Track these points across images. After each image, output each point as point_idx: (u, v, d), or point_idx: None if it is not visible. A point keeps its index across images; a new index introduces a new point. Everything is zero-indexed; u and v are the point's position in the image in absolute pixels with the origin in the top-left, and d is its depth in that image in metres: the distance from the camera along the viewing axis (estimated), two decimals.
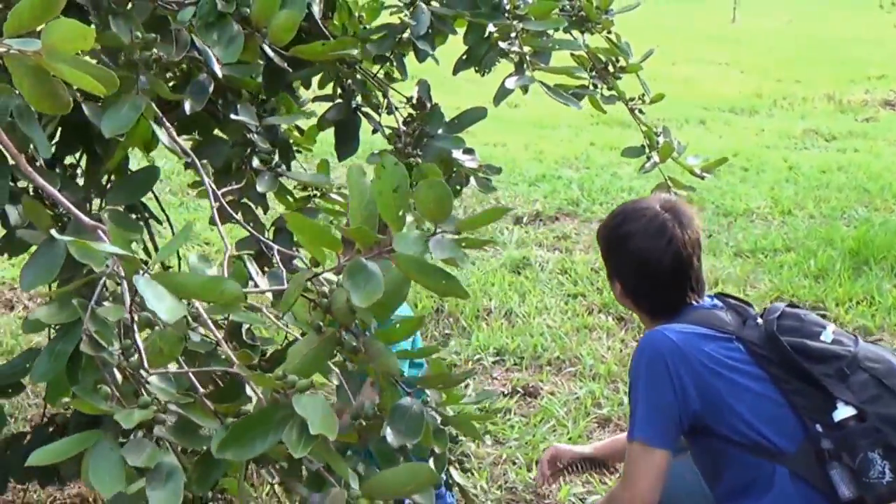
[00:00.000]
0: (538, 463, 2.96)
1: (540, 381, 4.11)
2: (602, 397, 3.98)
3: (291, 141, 2.54)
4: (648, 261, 2.29)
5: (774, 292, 5.16)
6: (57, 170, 1.83)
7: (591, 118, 10.16)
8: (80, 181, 2.01)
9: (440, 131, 2.40)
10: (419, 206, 1.44)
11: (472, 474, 3.29)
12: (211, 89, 1.95)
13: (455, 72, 2.46)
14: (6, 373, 1.63)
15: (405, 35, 2.33)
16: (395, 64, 2.36)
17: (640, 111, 2.86)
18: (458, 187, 2.43)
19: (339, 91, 2.43)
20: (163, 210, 2.57)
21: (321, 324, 1.52)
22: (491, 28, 2.43)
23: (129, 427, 1.35)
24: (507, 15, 2.41)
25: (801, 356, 2.14)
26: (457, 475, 1.94)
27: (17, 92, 1.27)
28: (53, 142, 1.91)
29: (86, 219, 1.44)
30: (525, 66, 2.40)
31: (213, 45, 1.68)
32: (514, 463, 3.40)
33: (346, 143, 2.42)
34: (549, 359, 4.35)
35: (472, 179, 2.45)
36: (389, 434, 1.56)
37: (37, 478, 2.09)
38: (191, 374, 1.48)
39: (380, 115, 2.49)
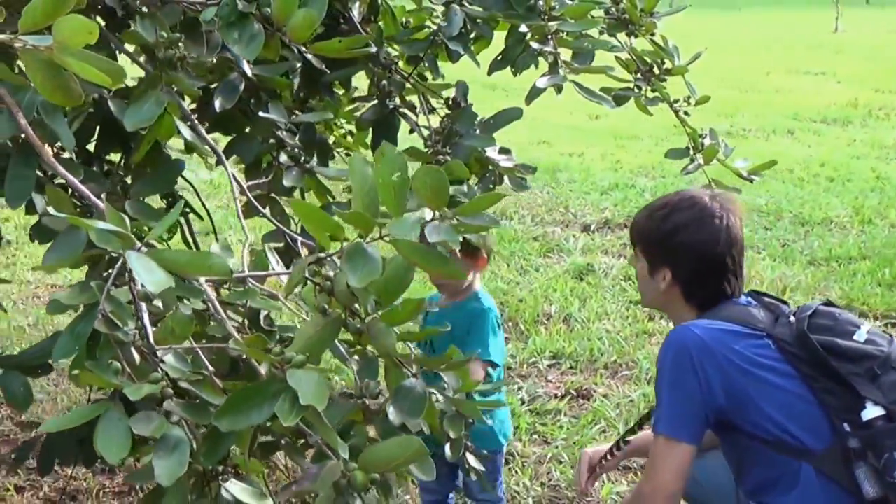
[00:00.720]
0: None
1: (594, 385, 4.13)
2: (653, 401, 3.96)
3: (333, 141, 2.62)
4: (707, 249, 2.29)
5: (844, 300, 5.08)
6: (94, 167, 1.93)
7: (673, 129, 10.07)
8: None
9: (475, 131, 2.44)
10: (417, 192, 1.49)
11: (516, 472, 3.33)
12: (241, 88, 2.03)
13: (490, 72, 2.51)
14: (35, 354, 1.73)
15: (438, 36, 2.39)
16: (427, 65, 2.42)
17: (686, 113, 2.87)
18: (492, 186, 2.47)
19: (376, 91, 2.49)
20: (203, 205, 2.67)
21: (326, 306, 1.58)
22: (525, 29, 2.47)
23: (135, 399, 1.43)
24: (542, 16, 2.45)
25: (831, 355, 2.12)
26: (473, 461, 1.98)
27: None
28: (93, 139, 2.02)
29: (101, 204, 1.53)
30: (559, 66, 2.44)
31: (233, 43, 1.77)
32: (560, 462, 3.43)
33: (380, 140, 2.48)
34: (605, 363, 4.36)
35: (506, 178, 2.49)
36: (391, 412, 1.61)
37: (81, 459, 2.20)
38: (201, 354, 1.56)
39: (417, 115, 2.55)
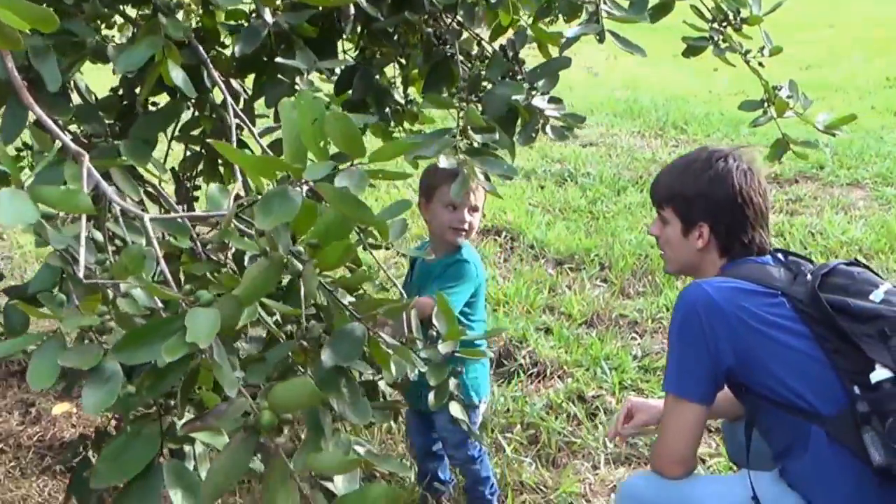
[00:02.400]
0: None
1: None
2: None
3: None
4: (746, 198, 2.22)
5: None
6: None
7: (886, 81, 9.47)
8: None
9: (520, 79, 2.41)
10: (331, 139, 1.52)
11: (598, 427, 3.29)
12: (264, 34, 2.11)
13: (534, 22, 2.47)
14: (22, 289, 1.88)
15: None
16: (463, 13, 2.40)
17: (760, 64, 2.72)
18: (533, 135, 2.43)
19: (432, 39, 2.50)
20: None
21: (268, 249, 1.64)
22: None
23: (68, 330, 1.53)
24: None
25: (841, 315, 1.99)
26: (458, 411, 1.98)
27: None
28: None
29: (72, 145, 1.64)
30: (599, 15, 2.38)
31: None
32: None
33: (434, 87, 2.49)
34: None
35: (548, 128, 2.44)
36: (325, 355, 1.65)
37: None
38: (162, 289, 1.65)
39: (473, 64, 2.55)
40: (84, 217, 1.59)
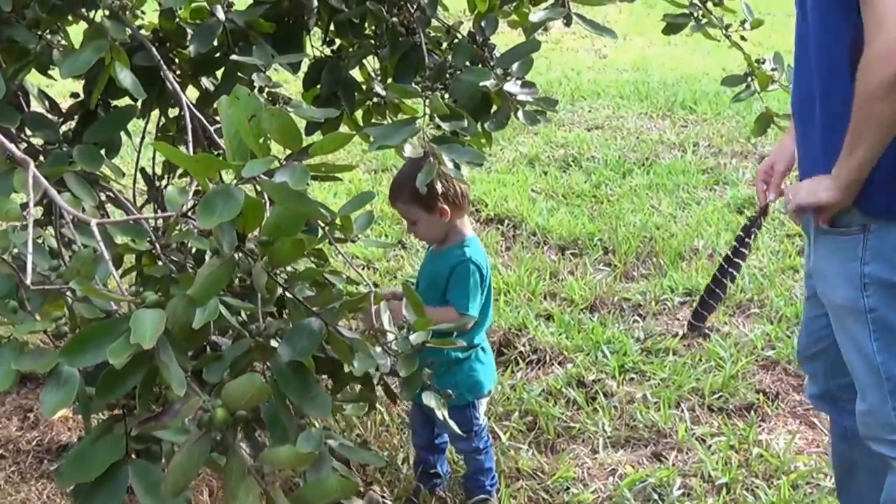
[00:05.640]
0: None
1: (719, 323, 3.95)
2: (776, 339, 3.77)
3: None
4: None
5: None
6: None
7: None
8: None
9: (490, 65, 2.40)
10: (269, 134, 1.51)
11: (597, 411, 3.27)
12: (219, 32, 2.10)
13: (501, 6, 2.45)
14: None
15: None
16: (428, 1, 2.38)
17: (742, 38, 2.69)
18: (505, 121, 2.42)
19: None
20: None
21: (219, 248, 1.63)
22: None
23: (20, 335, 1.53)
24: None
25: None
26: (432, 401, 1.97)
27: None
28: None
29: (17, 153, 1.65)
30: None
31: None
32: (646, 403, 3.33)
33: (404, 76, 2.48)
34: (739, 300, 4.17)
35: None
36: (282, 350, 1.64)
37: None
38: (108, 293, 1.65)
39: (442, 51, 2.53)
40: (31, 223, 1.60)
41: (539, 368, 3.61)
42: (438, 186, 2.41)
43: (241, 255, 1.65)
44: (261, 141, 1.54)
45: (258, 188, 1.61)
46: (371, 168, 6.17)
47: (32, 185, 1.67)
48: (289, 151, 1.60)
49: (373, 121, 2.75)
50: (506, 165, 6.16)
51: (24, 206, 1.67)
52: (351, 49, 2.63)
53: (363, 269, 4.29)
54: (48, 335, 1.60)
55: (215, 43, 2.16)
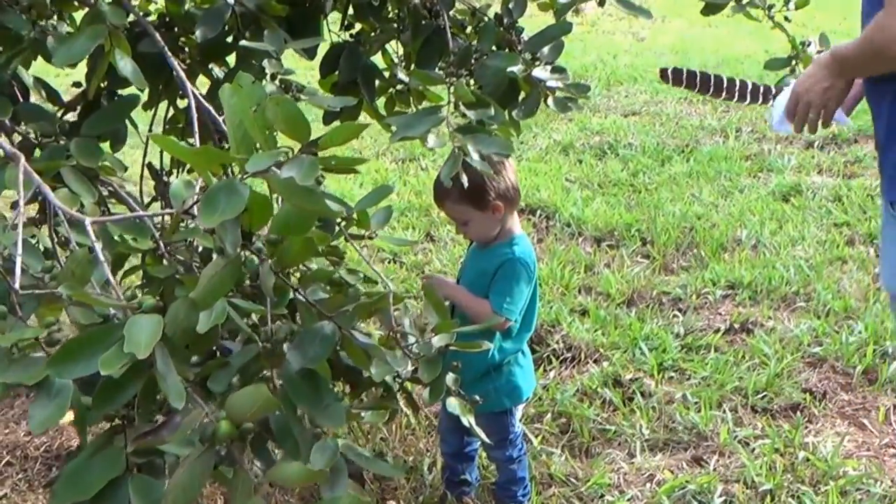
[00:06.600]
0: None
1: (763, 318, 3.79)
2: (823, 335, 3.60)
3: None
4: None
5: None
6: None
7: None
8: None
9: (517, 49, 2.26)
10: (274, 125, 1.39)
11: (634, 412, 3.12)
12: (227, 16, 1.98)
13: None
14: None
15: None
16: None
17: (786, 19, 2.53)
18: (535, 108, 2.28)
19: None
20: None
21: (223, 247, 1.52)
22: None
23: (5, 345, 1.43)
24: None
25: None
26: (456, 406, 1.84)
27: None
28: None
29: (7, 147, 1.54)
30: None
31: None
32: (686, 403, 3.17)
33: (427, 62, 2.35)
34: (784, 293, 4.00)
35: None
36: (292, 357, 1.52)
37: None
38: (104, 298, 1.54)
39: (467, 35, 2.40)
40: (20, 222, 1.49)
41: (573, 367, 3.46)
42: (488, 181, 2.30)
43: (247, 254, 1.55)
44: (267, 132, 1.42)
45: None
46: (398, 158, 6.04)
47: (24, 182, 1.56)
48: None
49: (395, 109, 2.62)
50: (538, 153, 6.01)
51: (16, 203, 1.57)
52: (372, 34, 2.50)
53: (389, 263, 4.21)
54: (40, 343, 1.49)
55: (225, 28, 2.03)
